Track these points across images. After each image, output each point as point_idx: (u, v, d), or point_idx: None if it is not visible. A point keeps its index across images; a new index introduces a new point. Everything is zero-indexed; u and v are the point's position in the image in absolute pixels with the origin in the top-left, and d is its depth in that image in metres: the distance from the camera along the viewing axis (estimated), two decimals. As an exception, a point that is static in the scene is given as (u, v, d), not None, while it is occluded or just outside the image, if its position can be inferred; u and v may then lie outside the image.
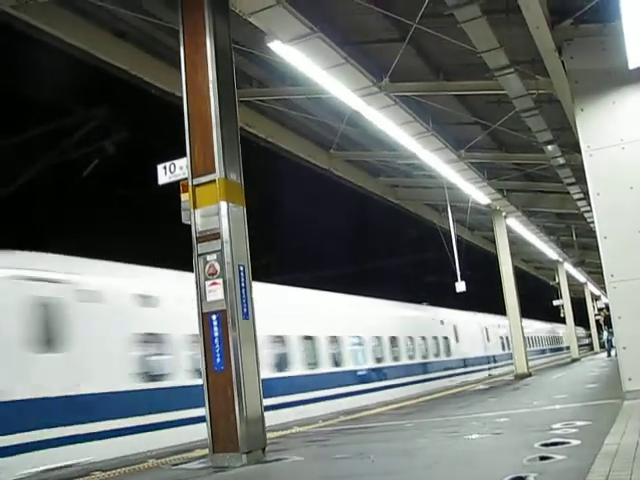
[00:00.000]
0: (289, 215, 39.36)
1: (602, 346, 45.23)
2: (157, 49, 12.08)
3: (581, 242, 31.35)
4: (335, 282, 26.80)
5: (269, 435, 8.62)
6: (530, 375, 23.03)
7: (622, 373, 9.79)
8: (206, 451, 7.86)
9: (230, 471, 7.00)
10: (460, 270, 21.96)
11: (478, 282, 27.50)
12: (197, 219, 7.87)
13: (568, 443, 6.31)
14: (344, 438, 9.80)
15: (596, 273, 36.88)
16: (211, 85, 7.90)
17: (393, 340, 22.55)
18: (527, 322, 33.82)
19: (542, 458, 5.60)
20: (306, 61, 10.41)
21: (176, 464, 8.22)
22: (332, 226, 42.84)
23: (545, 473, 4.91)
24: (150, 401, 11.82)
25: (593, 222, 10.81)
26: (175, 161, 8.58)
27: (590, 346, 58.87)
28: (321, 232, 41.19)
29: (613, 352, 28.38)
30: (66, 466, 9.49)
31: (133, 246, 19.25)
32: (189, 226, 7.96)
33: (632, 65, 9.83)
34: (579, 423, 7.77)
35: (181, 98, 8.28)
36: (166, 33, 11.28)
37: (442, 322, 27.77)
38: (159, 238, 23.10)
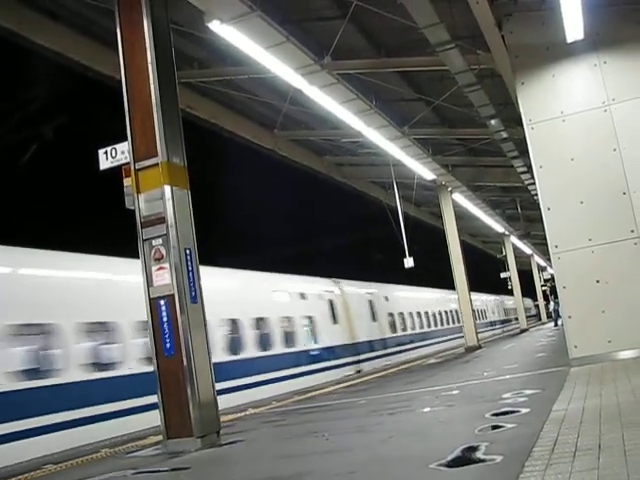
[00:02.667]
0: (234, 197, 39.17)
1: (549, 316, 46.14)
2: (92, 30, 11.81)
3: (526, 214, 31.83)
4: (283, 263, 26.77)
5: (223, 418, 8.59)
6: (480, 347, 23.38)
7: (568, 341, 10.01)
8: (160, 438, 7.79)
9: (185, 456, 6.95)
10: (408, 246, 22.13)
11: (427, 258, 27.76)
12: (141, 204, 7.74)
13: (518, 412, 6.42)
14: (298, 418, 9.82)
15: (541, 245, 37.47)
16: (150, 66, 7.75)
17: None
18: (476, 295, 34.31)
19: (493, 427, 5.69)
20: (246, 41, 10.26)
21: (130, 452, 8.14)
22: (278, 206, 42.80)
23: (496, 442, 4.98)
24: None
25: (537, 194, 10.97)
26: (116, 145, 8.39)
27: (538, 316, 60.00)
28: (267, 213, 41.13)
29: (560, 321, 28.99)
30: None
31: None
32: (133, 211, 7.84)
33: (570, 39, 9.97)
34: (528, 392, 7.91)
35: (120, 81, 8.12)
36: (100, 13, 11.03)
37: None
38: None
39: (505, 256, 38.83)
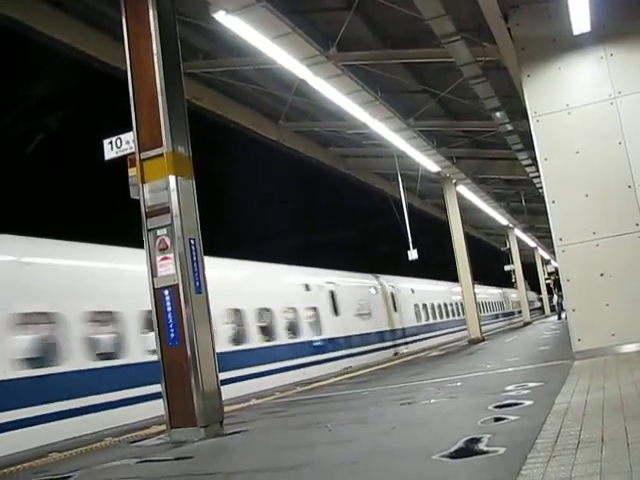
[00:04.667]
0: (239, 188, 39.18)
1: (553, 309, 46.07)
2: (98, 21, 11.80)
3: (530, 207, 31.79)
4: (287, 254, 26.78)
5: (226, 408, 8.62)
6: (483, 340, 23.38)
7: (572, 334, 10.00)
8: (164, 427, 7.82)
9: (188, 446, 6.98)
10: (412, 238, 22.14)
11: (431, 249, 27.76)
12: (146, 194, 7.75)
13: (521, 404, 6.43)
14: (301, 408, 9.85)
15: (545, 237, 37.46)
16: (155, 57, 7.74)
17: None
18: (480, 288, 34.19)
19: (496, 419, 5.70)
20: (252, 31, 10.25)
21: (134, 441, 8.17)
22: (283, 198, 42.80)
23: (499, 433, 4.99)
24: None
25: (541, 187, 10.96)
26: (121, 135, 8.42)
27: (541, 310, 59.89)
28: (272, 204, 41.12)
29: (563, 315, 28.95)
30: None
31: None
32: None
33: (576, 31, 9.94)
34: (531, 384, 7.92)
35: (125, 71, 8.11)
36: (106, 4, 11.04)
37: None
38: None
39: (509, 249, 38.80)
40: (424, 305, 31.49)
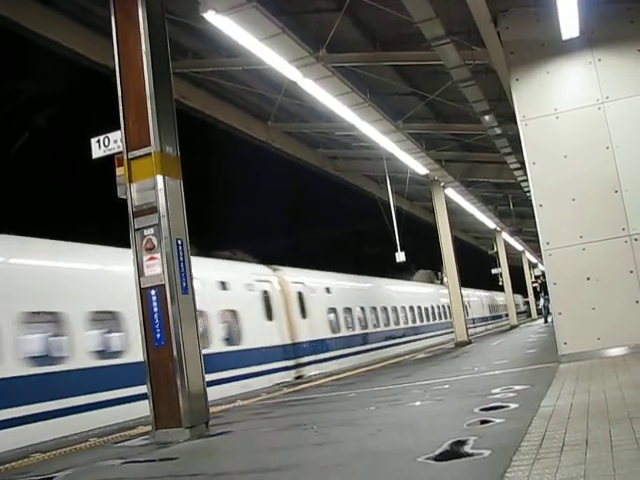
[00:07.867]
0: (227, 188, 39.10)
1: (539, 313, 46.20)
2: (87, 19, 11.76)
3: (518, 211, 31.87)
4: (274, 255, 26.73)
5: (212, 409, 8.60)
6: (470, 343, 23.43)
7: (558, 338, 10.04)
8: (149, 428, 7.79)
9: (173, 446, 6.95)
10: (400, 241, 22.16)
11: (418, 252, 27.76)
12: (133, 193, 7.72)
13: (507, 407, 6.44)
14: (287, 410, 9.83)
15: (533, 241, 37.52)
16: (144, 56, 7.71)
17: None
18: (466, 291, 34.18)
19: (482, 422, 5.70)
20: (242, 32, 10.22)
21: (119, 442, 8.13)
22: (270, 198, 42.76)
23: (484, 436, 5.00)
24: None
25: (529, 191, 11.00)
26: (109, 134, 8.36)
27: (528, 313, 60.02)
28: (259, 204, 41.05)
29: (550, 318, 29.06)
30: None
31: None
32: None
33: (565, 36, 9.99)
34: (517, 387, 7.94)
35: (114, 70, 8.08)
36: (95, 2, 10.99)
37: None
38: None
39: (496, 252, 38.89)
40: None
